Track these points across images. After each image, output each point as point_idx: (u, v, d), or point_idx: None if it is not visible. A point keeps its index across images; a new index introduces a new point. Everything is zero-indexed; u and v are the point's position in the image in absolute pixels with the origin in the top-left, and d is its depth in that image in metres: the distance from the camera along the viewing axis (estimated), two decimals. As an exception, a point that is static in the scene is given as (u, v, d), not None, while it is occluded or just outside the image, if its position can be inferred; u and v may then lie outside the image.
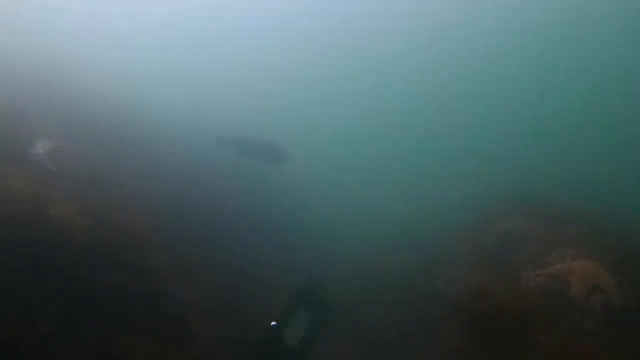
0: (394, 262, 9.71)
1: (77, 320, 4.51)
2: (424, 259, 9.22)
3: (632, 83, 18.90)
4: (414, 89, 26.44)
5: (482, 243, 8.28)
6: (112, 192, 7.29)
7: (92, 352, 4.37)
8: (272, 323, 6.53)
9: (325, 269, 9.89)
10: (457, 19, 26.12)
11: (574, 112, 19.56)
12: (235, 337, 6.46)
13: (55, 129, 8.16)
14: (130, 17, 30.58)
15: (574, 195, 8.64)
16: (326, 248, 11.06)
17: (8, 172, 5.77)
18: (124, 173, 8.49)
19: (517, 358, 4.93)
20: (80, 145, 8.22)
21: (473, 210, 9.74)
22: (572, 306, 5.26)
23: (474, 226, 9.07)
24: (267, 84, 26.95)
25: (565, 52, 22.52)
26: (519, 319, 5.42)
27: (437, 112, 24.15)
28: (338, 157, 19.68)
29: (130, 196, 7.54)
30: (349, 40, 29.48)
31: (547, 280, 5.77)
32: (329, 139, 21.80)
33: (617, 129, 16.25)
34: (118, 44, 24.43)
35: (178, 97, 19.44)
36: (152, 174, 9.51)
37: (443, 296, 7.59)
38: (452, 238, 9.22)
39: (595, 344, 4.74)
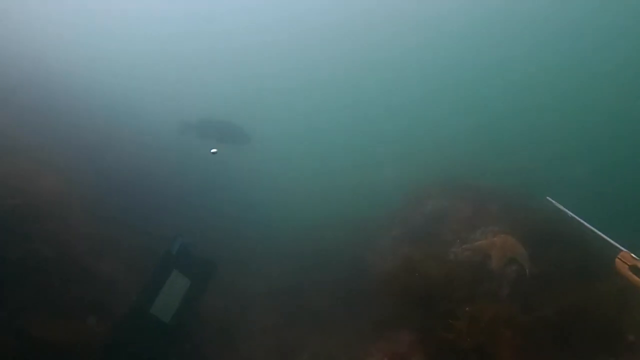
0: (327, 238, 10.00)
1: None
2: (357, 235, 9.57)
3: (559, 76, 20.80)
4: (357, 71, 26.82)
5: (413, 221, 8.76)
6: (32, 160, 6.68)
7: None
8: None
9: (255, 244, 9.99)
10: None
11: (503, 102, 21.14)
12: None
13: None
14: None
15: (496, 179, 9.38)
16: (261, 224, 11.08)
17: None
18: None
19: (444, 327, 5.32)
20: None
21: (405, 191, 10.26)
22: (492, 276, 5.79)
23: (405, 205, 9.57)
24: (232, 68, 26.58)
25: (504, 43, 24.07)
26: (446, 290, 5.85)
27: (378, 96, 24.86)
28: (290, 138, 19.64)
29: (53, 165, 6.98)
30: (316, 28, 29.32)
31: (472, 255, 6.29)
32: (286, 121, 21.76)
33: (538, 120, 17.94)
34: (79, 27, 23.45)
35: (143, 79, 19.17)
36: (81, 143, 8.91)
37: (373, 270, 7.96)
38: (384, 216, 9.65)
39: (509, 307, 5.30)
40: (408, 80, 25.17)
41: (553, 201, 4.78)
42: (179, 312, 6.04)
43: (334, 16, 29.11)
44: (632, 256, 2.81)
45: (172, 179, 10.67)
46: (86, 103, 12.00)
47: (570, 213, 4.39)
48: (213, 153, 6.78)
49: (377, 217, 9.78)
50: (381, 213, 9.84)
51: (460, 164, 10.76)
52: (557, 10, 22.12)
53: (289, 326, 7.70)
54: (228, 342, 7.17)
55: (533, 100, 20.31)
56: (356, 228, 9.80)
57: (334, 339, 6.93)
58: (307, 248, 9.53)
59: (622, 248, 2.97)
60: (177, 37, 29.10)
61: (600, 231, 3.41)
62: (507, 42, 24.01)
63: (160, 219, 8.56)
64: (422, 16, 27.13)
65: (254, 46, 29.41)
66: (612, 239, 3.47)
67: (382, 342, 6.10)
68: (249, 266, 9.04)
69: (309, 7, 29.75)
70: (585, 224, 3.74)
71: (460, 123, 18.96)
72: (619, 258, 2.88)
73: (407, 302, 6.23)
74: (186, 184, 10.87)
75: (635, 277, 2.63)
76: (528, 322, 4.84)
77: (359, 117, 22.96)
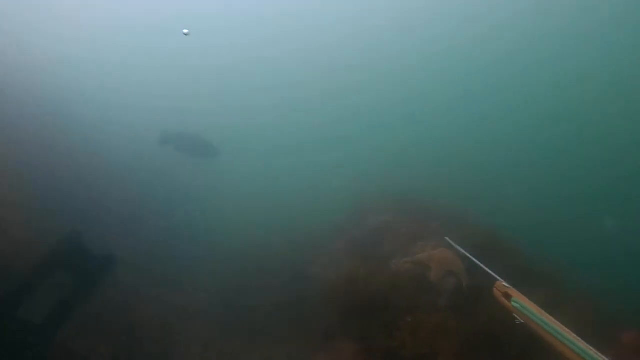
0: (270, 251, 9.81)
1: None
2: (301, 248, 9.49)
3: (506, 93, 22.43)
4: (309, 84, 27.32)
5: (357, 234, 8.86)
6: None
7: None
8: None
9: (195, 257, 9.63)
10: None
11: (446, 118, 22.38)
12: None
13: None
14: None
15: (435, 194, 9.77)
16: (203, 238, 10.71)
17: None
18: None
19: (387, 337, 5.36)
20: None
21: (350, 205, 10.40)
22: (431, 288, 5.95)
23: (349, 219, 9.68)
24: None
25: (450, 58, 25.59)
26: (388, 301, 5.92)
27: (326, 110, 25.46)
28: (253, 153, 19.78)
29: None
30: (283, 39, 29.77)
31: (413, 267, 6.42)
32: (251, 138, 22.21)
33: (478, 134, 19.18)
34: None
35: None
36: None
37: (316, 282, 7.90)
38: (328, 229, 9.68)
39: (445, 317, 5.46)
40: (359, 91, 26.12)
41: (450, 241, 5.33)
42: (53, 312, 5.68)
43: (302, 41, 30.18)
44: (504, 285, 3.39)
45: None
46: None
47: (463, 251, 5.21)
48: (185, 34, 6.39)
49: (321, 230, 9.77)
50: (326, 226, 9.86)
51: (403, 179, 11.13)
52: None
53: (230, 339, 7.41)
54: (163, 355, 6.75)
55: (480, 120, 21.81)
56: (300, 241, 9.72)
57: (276, 351, 6.74)
58: (251, 261, 9.28)
59: (498, 278, 3.52)
60: (158, 52, 28.84)
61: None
62: (456, 58, 25.67)
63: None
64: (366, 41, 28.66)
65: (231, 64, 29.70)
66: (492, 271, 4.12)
67: (325, 353, 6.04)
68: (187, 281, 8.64)
69: (283, 29, 30.48)
70: (474, 259, 4.42)
71: (404, 140, 19.78)
72: (495, 287, 3.42)
73: (349, 313, 6.23)
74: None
75: (506, 301, 3.25)
76: (465, 331, 4.98)
77: (315, 134, 23.33)
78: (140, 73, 25.84)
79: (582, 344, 2.63)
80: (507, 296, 3.30)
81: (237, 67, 29.72)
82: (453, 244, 5.34)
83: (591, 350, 2.60)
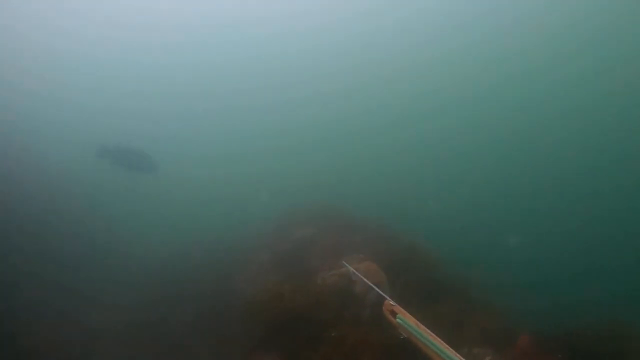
0: (194, 264, 9.46)
1: None
2: (225, 261, 9.27)
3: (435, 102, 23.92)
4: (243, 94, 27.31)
5: (281, 248, 8.88)
6: None
7: None
8: None
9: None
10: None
11: (380, 133, 23.43)
12: None
13: None
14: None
15: (361, 209, 10.17)
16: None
17: None
18: None
19: (312, 351, 5.42)
20: None
21: (274, 219, 10.41)
22: (356, 301, 6.16)
23: (274, 232, 9.68)
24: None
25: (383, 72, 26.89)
26: (313, 316, 6.00)
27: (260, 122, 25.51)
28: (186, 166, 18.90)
29: None
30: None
31: (338, 280, 6.61)
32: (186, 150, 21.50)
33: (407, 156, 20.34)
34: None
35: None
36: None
37: (240, 296, 7.76)
38: (253, 242, 9.58)
39: (367, 330, 5.68)
40: (290, 113, 26.47)
41: (348, 265, 5.75)
42: None
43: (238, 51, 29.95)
44: (391, 303, 3.69)
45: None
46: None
47: (359, 275, 5.44)
48: None
49: (246, 243, 9.65)
50: (251, 239, 9.76)
51: (328, 193, 11.43)
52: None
53: (148, 357, 6.96)
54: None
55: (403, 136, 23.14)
56: (223, 253, 9.50)
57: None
58: (171, 275, 8.84)
59: (387, 297, 3.84)
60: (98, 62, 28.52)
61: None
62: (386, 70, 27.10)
63: None
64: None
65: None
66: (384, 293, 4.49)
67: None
68: (101, 297, 7.98)
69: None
70: (366, 280, 4.76)
71: (331, 154, 20.39)
72: (384, 305, 3.73)
73: (274, 327, 6.19)
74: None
75: (392, 318, 3.55)
76: (387, 343, 5.20)
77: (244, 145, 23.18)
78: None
79: (454, 354, 3.02)
80: (394, 313, 3.59)
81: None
82: (348, 266, 5.73)
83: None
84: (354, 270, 5.66)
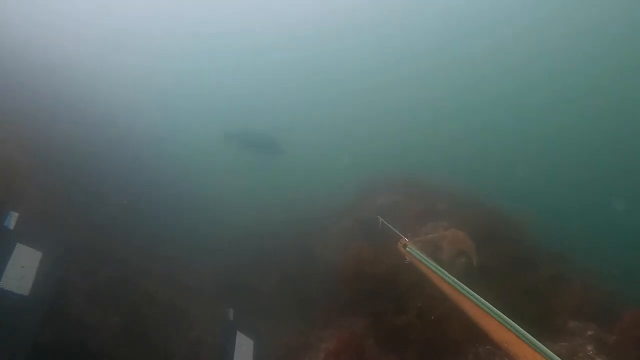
0: (280, 230, 10.00)
1: None
2: (310, 229, 9.66)
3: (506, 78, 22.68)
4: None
5: (364, 215, 9.02)
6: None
7: None
8: None
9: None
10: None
11: (455, 103, 22.73)
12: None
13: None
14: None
15: (443, 176, 9.93)
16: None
17: None
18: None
19: (396, 318, 5.53)
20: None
21: (357, 186, 10.54)
22: (443, 267, 6.12)
23: (357, 200, 9.83)
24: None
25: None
26: (397, 282, 6.09)
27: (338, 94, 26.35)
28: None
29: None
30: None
31: (424, 247, 6.60)
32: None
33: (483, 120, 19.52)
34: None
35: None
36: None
37: (324, 261, 8.08)
38: (336, 210, 9.82)
39: (451, 305, 5.63)
40: (368, 77, 26.91)
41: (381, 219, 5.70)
42: (36, 283, 5.85)
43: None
44: (405, 239, 4.02)
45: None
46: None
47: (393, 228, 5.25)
48: None
49: (329, 211, 9.93)
50: (333, 207, 10.02)
51: (410, 161, 11.27)
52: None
53: (240, 316, 7.63)
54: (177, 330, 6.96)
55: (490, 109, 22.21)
56: (309, 221, 9.88)
57: (286, 327, 6.96)
58: (260, 240, 9.46)
59: (402, 235, 4.16)
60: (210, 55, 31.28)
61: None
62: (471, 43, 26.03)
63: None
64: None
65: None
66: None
67: (334, 329, 6.25)
68: (196, 261, 8.88)
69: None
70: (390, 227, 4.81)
71: (412, 122, 20.09)
72: (399, 242, 4.04)
73: (358, 291, 6.39)
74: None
75: (403, 249, 3.88)
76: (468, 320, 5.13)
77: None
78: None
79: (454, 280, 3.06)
80: (404, 246, 4.01)
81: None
82: (383, 220, 5.80)
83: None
84: (383, 221, 5.61)
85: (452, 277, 3.22)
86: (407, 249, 3.93)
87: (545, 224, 7.38)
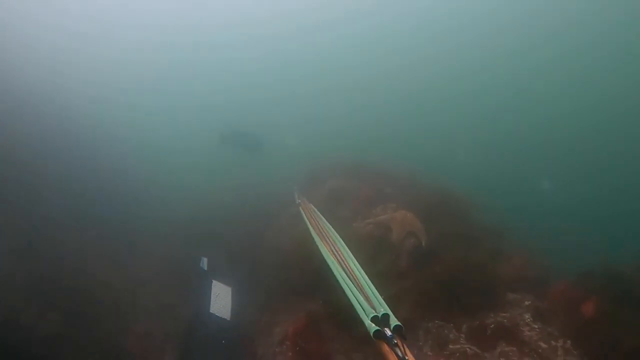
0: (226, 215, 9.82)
1: None
2: (259, 212, 9.53)
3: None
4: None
5: (315, 198, 9.03)
6: None
7: None
8: None
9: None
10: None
11: (401, 85, 23.38)
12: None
13: None
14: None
15: (391, 158, 10.18)
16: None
17: None
18: None
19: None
20: None
21: (306, 171, 10.53)
22: (392, 248, 6.32)
23: (307, 184, 9.81)
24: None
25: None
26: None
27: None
28: None
29: None
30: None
31: (374, 228, 6.76)
32: None
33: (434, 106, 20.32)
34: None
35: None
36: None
37: (271, 246, 8.02)
38: (285, 193, 9.75)
39: (405, 274, 5.87)
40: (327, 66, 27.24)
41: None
42: (233, 311, 6.01)
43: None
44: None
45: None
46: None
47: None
48: None
49: (278, 194, 9.84)
50: (281, 190, 9.93)
51: (356, 146, 11.43)
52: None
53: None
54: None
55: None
56: (257, 205, 9.75)
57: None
58: (209, 225, 9.22)
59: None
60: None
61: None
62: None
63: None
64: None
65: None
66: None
67: (286, 314, 6.21)
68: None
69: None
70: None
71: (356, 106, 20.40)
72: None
73: (310, 273, 6.40)
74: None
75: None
76: (429, 289, 5.37)
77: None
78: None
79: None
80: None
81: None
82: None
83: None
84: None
85: (333, 231, 3.48)
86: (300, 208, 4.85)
87: (486, 204, 7.84)
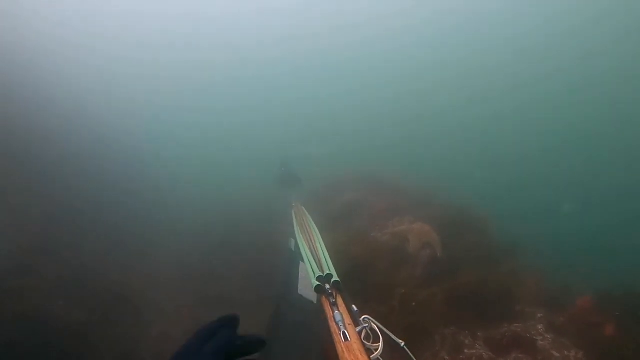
0: (242, 222, 10.06)
1: None
2: (272, 220, 9.75)
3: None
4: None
5: (333, 209, 9.27)
6: None
7: None
8: None
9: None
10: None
11: (417, 101, 23.69)
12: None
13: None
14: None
15: (406, 173, 10.40)
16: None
17: None
18: None
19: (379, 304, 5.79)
20: None
21: (322, 183, 10.79)
22: (410, 258, 6.52)
23: (323, 195, 10.06)
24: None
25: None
26: (375, 267, 6.36)
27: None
28: None
29: None
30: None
31: (392, 239, 6.97)
32: None
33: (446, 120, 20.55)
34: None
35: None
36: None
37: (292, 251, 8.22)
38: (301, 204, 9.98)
39: (419, 285, 6.03)
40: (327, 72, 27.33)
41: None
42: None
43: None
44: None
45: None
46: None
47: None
48: None
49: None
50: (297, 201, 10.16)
51: (375, 159, 11.67)
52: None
53: (203, 305, 7.65)
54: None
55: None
56: (275, 214, 9.97)
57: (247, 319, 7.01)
58: (234, 229, 9.48)
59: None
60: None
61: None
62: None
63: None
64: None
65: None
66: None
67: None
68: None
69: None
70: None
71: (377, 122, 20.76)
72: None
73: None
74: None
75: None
76: (445, 298, 5.54)
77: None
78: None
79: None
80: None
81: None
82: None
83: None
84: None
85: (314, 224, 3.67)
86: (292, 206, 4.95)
87: (503, 221, 8.00)
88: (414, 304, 5.17)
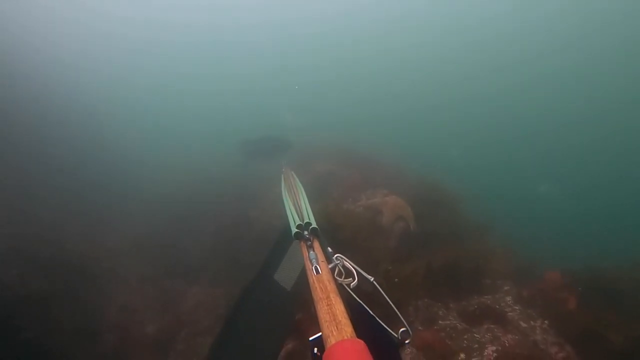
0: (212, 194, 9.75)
1: None
2: (245, 195, 9.51)
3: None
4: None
5: (305, 180, 9.09)
6: None
7: None
8: None
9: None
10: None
11: (398, 78, 23.62)
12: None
13: None
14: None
15: (383, 148, 10.35)
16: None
17: None
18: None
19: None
20: None
21: (293, 154, 10.56)
22: (383, 230, 6.50)
23: (297, 165, 9.84)
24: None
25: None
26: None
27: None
28: None
29: None
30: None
31: (365, 211, 6.92)
32: None
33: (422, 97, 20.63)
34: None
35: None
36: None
37: (256, 224, 8.07)
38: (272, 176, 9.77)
39: (392, 256, 6.04)
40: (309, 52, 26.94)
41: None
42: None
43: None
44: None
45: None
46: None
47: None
48: None
49: (264, 176, 9.84)
50: (267, 173, 9.94)
51: (348, 131, 11.53)
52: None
53: (167, 277, 7.42)
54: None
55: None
56: (245, 187, 9.72)
57: (216, 289, 6.87)
58: (196, 206, 9.15)
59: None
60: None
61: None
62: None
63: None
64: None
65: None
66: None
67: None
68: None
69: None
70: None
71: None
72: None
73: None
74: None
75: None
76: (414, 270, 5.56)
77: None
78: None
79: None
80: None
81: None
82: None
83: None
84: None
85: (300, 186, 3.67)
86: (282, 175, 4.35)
87: (478, 200, 8.15)
88: (396, 280, 5.14)
